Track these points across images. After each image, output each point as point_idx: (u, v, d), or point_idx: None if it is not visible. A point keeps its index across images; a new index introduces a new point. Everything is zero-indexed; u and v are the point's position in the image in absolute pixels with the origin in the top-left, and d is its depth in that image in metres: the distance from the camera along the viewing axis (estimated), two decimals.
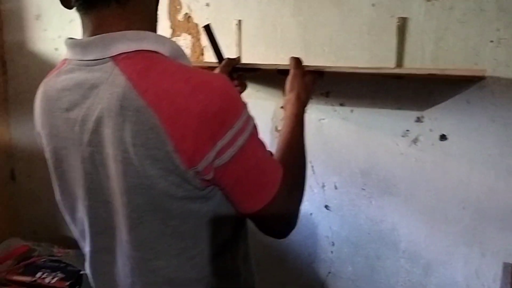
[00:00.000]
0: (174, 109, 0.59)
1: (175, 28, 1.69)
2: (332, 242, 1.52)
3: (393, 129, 1.34)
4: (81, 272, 1.62)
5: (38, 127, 0.78)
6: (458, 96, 1.23)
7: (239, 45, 1.51)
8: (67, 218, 0.81)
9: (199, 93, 0.60)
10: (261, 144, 0.71)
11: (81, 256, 0.88)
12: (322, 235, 1.54)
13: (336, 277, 1.54)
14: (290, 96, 1.02)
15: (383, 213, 1.40)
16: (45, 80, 0.75)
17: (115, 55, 0.64)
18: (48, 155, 0.76)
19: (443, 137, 1.27)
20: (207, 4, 1.60)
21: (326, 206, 1.51)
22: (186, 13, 1.66)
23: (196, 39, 1.65)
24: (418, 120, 1.30)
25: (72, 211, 0.78)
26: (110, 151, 0.63)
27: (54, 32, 2.04)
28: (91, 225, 0.74)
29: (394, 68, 1.25)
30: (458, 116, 1.24)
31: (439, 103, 1.26)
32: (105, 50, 0.64)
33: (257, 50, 1.50)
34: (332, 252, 1.53)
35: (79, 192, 0.73)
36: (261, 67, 1.28)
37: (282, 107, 1.01)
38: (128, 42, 0.64)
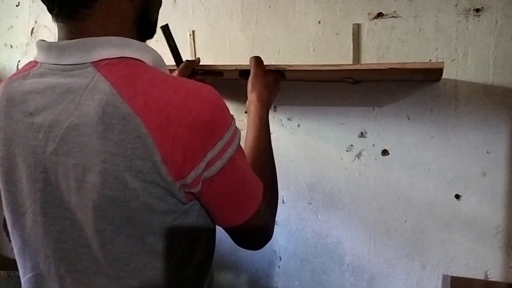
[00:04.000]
0: (164, 118, 0.56)
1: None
2: (280, 256, 1.52)
3: (338, 144, 1.36)
4: None
5: None
6: (399, 112, 1.27)
7: (194, 55, 1.49)
8: (13, 236, 0.71)
9: (190, 103, 0.58)
10: (245, 156, 0.70)
11: (15, 277, 0.79)
12: (270, 250, 1.53)
13: None
14: (252, 96, 0.98)
15: (329, 227, 1.41)
16: (7, 82, 0.68)
17: (96, 61, 0.60)
18: None
19: (385, 152, 1.30)
20: None
21: None
22: None
23: None
24: (362, 135, 1.32)
25: (18, 229, 0.69)
26: (85, 161, 0.58)
27: None
28: (43, 244, 0.66)
29: (354, 65, 1.24)
30: (399, 132, 1.28)
31: (381, 118, 1.29)
32: (86, 55, 0.61)
33: (206, 62, 1.48)
34: (279, 267, 1.52)
35: (32, 207, 0.65)
36: (221, 68, 1.20)
37: (246, 112, 0.98)
38: (112, 48, 0.61)
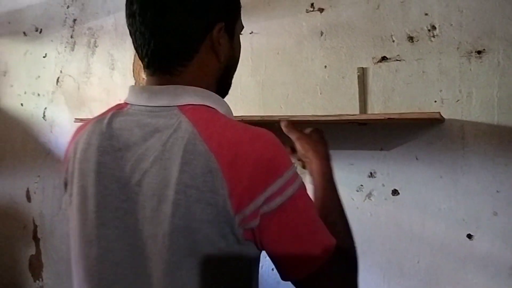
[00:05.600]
0: (233, 155, 0.62)
1: (140, 85, 1.73)
2: None
3: (348, 184, 1.38)
4: None
5: (70, 159, 0.75)
6: (407, 152, 1.29)
7: None
8: (77, 265, 0.73)
9: (256, 142, 0.64)
10: (312, 205, 0.70)
11: None
12: None
13: None
14: (308, 156, 0.96)
15: None
16: (99, 118, 0.75)
17: (181, 105, 0.68)
18: (75, 190, 0.73)
19: (395, 192, 1.31)
20: None
21: None
22: None
23: None
24: (371, 175, 1.34)
25: (84, 258, 0.71)
26: (162, 192, 0.64)
27: (21, 88, 2.06)
28: (109, 272, 0.69)
29: (358, 115, 1.28)
30: (408, 172, 1.29)
31: (389, 159, 1.31)
32: (173, 99, 0.69)
33: None
34: None
35: (107, 234, 0.69)
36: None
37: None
38: (195, 96, 0.70)
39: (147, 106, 0.70)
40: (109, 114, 0.74)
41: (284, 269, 0.69)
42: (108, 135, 0.71)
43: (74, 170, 0.73)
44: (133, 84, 1.75)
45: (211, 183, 0.62)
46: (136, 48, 0.73)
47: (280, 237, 0.66)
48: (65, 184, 0.78)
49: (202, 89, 0.71)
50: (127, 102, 0.74)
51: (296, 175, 0.67)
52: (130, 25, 0.72)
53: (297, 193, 0.66)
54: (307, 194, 0.69)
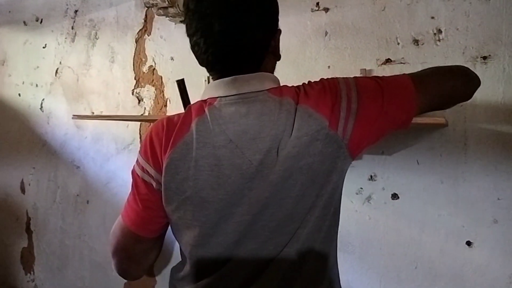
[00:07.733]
0: (313, 97, 0.79)
1: (139, 79, 1.71)
2: None
3: (348, 187, 1.34)
4: None
5: (176, 158, 0.80)
6: (408, 156, 1.27)
7: None
8: (198, 248, 0.82)
9: (318, 81, 0.84)
10: (371, 78, 0.85)
11: None
12: None
13: None
14: None
15: (339, 271, 1.39)
16: (197, 120, 0.81)
17: (268, 89, 0.81)
18: (190, 188, 0.80)
19: (395, 196, 1.30)
20: (172, 58, 1.64)
21: None
22: (151, 66, 1.69)
23: (160, 90, 1.68)
24: (371, 178, 1.32)
25: (208, 238, 0.81)
26: (285, 155, 0.76)
27: (19, 78, 2.04)
28: (239, 234, 0.79)
29: None
30: (409, 176, 1.28)
31: (390, 162, 1.30)
32: (262, 85, 0.81)
33: None
34: None
35: (237, 210, 0.78)
36: None
37: None
38: (272, 81, 0.83)
39: (238, 94, 0.80)
40: (206, 111, 0.81)
41: (401, 115, 0.83)
42: (217, 132, 0.79)
43: (190, 167, 0.80)
44: (133, 77, 1.73)
45: (314, 124, 0.76)
46: (205, 66, 0.83)
47: (384, 102, 0.80)
48: (150, 178, 0.83)
49: (274, 75, 0.86)
50: (214, 96, 0.82)
51: (345, 78, 0.83)
52: (197, 51, 0.81)
53: (356, 80, 0.83)
54: (363, 78, 0.85)
